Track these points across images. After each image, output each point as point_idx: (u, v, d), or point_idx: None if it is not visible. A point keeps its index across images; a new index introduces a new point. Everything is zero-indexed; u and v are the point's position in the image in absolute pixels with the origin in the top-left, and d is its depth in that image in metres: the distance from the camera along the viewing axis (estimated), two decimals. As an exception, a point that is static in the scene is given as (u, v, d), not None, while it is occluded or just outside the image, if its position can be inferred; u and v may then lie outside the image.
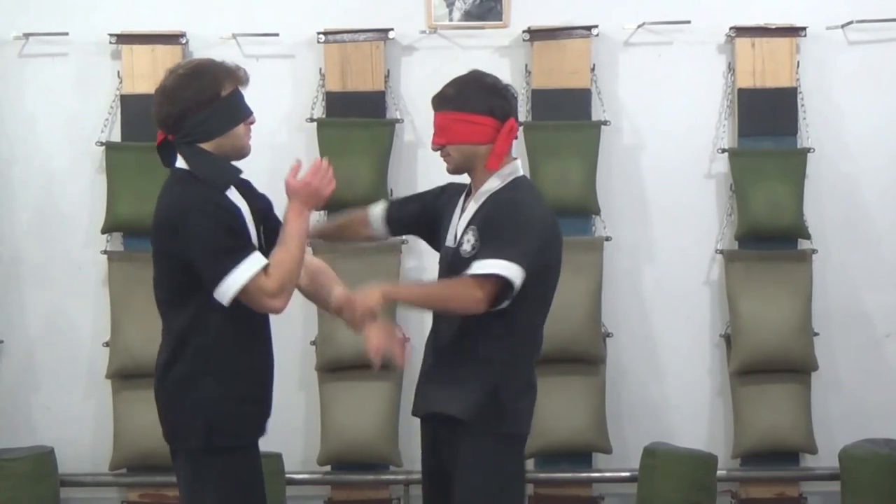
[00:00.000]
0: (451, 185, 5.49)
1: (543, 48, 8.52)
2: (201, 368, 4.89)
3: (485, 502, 5.13)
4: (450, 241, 5.27)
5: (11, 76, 8.53)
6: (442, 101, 5.34)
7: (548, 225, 5.12)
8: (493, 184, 5.20)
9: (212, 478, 4.94)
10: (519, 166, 5.28)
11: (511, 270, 4.92)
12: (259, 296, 4.77)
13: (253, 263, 4.75)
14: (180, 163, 4.94)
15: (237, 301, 4.74)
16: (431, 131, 8.46)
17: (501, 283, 4.91)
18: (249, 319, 4.95)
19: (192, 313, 4.87)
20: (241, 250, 4.77)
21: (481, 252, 5.00)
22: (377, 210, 5.75)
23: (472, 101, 5.20)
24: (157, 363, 5.00)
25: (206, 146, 4.93)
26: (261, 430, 5.12)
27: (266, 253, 4.89)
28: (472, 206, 5.22)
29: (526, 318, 5.16)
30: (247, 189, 5.09)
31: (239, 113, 5.02)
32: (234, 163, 5.07)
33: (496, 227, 5.03)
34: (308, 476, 8.40)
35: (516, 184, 5.22)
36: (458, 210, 5.32)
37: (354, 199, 8.25)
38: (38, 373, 8.56)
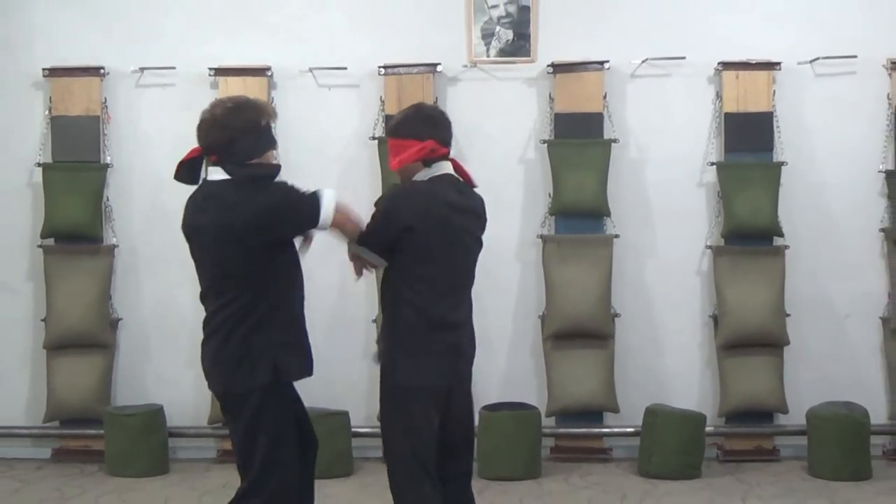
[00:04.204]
0: None
1: (564, 79, 8.54)
2: (267, 323, 4.98)
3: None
4: None
5: (131, 102, 8.63)
6: (388, 130, 5.60)
7: (392, 207, 5.26)
8: None
9: (273, 409, 5.00)
10: (427, 174, 5.32)
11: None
12: (345, 208, 5.18)
13: (330, 193, 5.11)
14: (217, 175, 5.02)
15: (289, 271, 5.10)
16: (473, 148, 8.55)
17: None
18: (295, 289, 5.17)
19: (257, 288, 4.96)
20: (316, 193, 5.11)
21: None
22: None
23: (402, 128, 5.32)
24: (220, 329, 5.02)
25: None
26: (308, 371, 5.23)
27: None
28: None
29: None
30: None
31: (272, 140, 5.18)
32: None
33: None
34: (370, 430, 8.31)
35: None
36: None
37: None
38: (150, 345, 8.64)
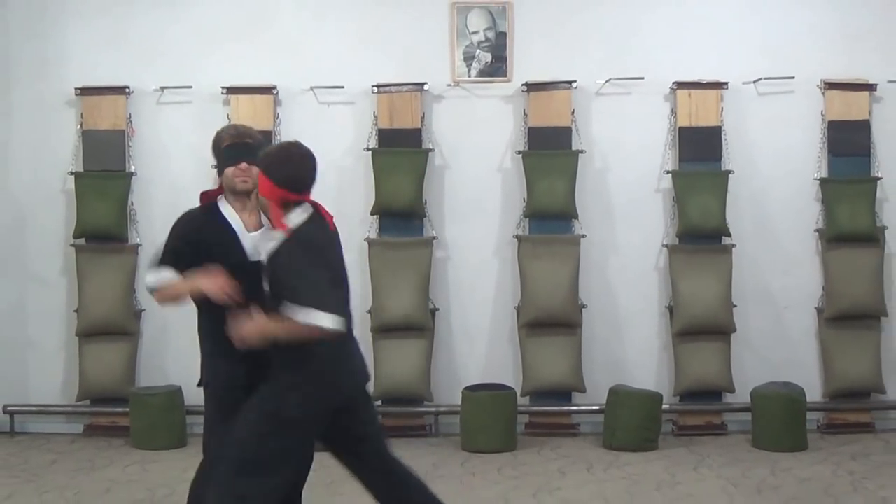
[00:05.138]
0: None
1: (537, 97, 8.69)
2: None
3: None
4: None
5: (151, 118, 8.76)
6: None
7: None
8: None
9: None
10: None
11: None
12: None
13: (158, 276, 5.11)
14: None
15: None
16: (457, 158, 8.73)
17: None
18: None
19: None
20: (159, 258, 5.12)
21: None
22: None
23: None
24: None
25: None
26: None
27: None
28: None
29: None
30: None
31: (229, 159, 5.05)
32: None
33: None
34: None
35: None
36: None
37: (400, 206, 8.57)
38: (169, 333, 8.67)
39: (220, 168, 5.07)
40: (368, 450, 5.00)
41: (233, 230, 5.01)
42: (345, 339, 4.78)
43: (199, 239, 4.98)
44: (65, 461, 7.96)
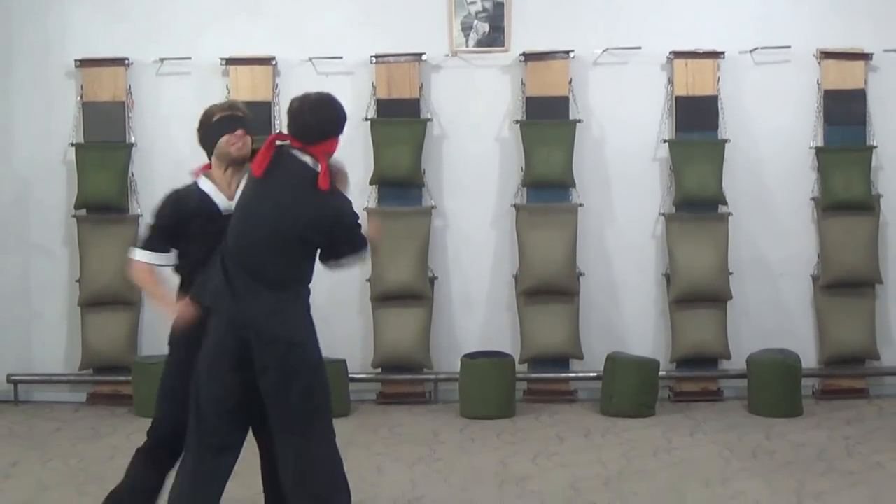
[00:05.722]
0: None
1: (534, 67, 8.70)
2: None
3: None
4: None
5: (151, 89, 8.77)
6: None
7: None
8: None
9: None
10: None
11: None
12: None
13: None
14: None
15: None
16: (455, 128, 8.74)
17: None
18: None
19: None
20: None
21: None
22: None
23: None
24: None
25: None
26: None
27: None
28: None
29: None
30: None
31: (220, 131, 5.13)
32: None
33: None
34: (365, 376, 8.62)
35: None
36: None
37: (399, 176, 8.57)
38: None
39: (211, 142, 5.11)
40: None
41: (216, 205, 5.04)
42: None
43: (185, 218, 5.02)
44: (68, 429, 8.01)
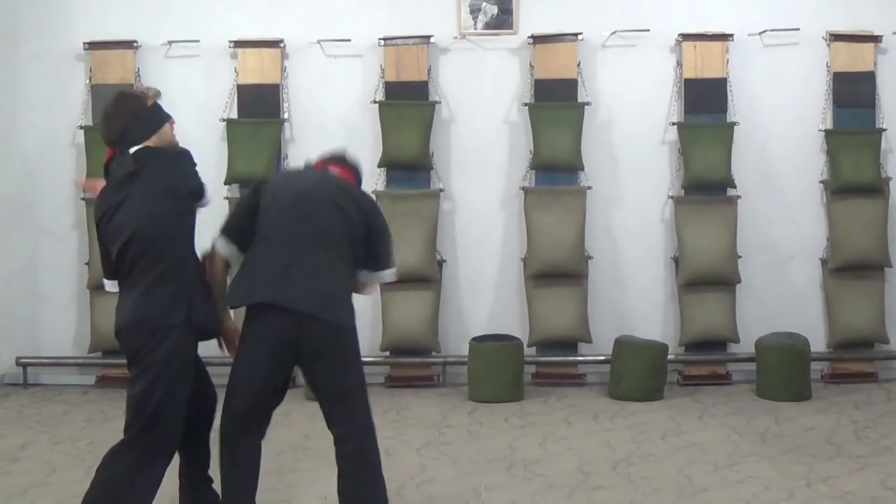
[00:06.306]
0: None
1: (543, 49, 8.67)
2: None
3: None
4: None
5: (159, 71, 8.70)
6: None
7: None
8: None
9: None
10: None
11: None
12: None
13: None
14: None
15: None
16: (463, 110, 8.72)
17: None
18: None
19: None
20: None
21: None
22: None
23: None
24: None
25: None
26: None
27: None
28: None
29: None
30: None
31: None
32: None
33: None
34: (373, 359, 8.52)
35: None
36: None
37: (407, 159, 8.52)
38: None
39: (154, 127, 5.24)
40: None
41: None
42: None
43: None
44: (77, 412, 8.02)
